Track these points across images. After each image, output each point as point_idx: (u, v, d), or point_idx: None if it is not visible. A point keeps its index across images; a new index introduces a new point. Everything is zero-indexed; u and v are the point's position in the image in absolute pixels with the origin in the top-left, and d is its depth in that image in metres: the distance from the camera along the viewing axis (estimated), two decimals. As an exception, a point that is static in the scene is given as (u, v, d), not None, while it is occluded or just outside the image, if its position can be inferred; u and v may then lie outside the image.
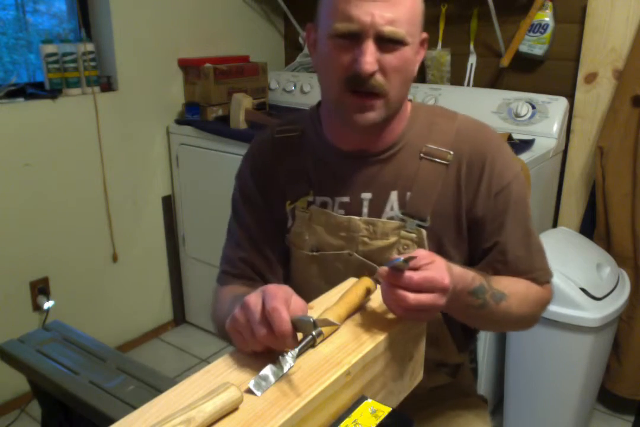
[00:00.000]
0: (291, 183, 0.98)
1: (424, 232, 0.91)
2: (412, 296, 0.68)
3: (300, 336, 0.66)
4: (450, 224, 0.92)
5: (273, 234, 1.00)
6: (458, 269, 0.78)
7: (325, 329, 0.69)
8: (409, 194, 0.91)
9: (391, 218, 0.92)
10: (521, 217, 0.93)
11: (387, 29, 0.79)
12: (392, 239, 0.91)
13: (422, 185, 0.91)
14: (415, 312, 0.71)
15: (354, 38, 0.80)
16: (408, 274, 0.69)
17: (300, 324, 0.64)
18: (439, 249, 0.92)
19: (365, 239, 0.92)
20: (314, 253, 0.96)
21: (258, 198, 1.00)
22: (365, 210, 0.93)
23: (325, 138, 0.96)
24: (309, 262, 0.97)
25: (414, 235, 0.91)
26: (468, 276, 0.80)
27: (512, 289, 0.88)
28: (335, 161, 0.95)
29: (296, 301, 0.68)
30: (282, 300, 0.65)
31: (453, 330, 0.98)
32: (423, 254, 0.72)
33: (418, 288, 0.69)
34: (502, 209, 0.91)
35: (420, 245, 0.91)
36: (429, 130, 0.93)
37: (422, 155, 0.92)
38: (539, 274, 0.95)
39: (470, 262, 0.96)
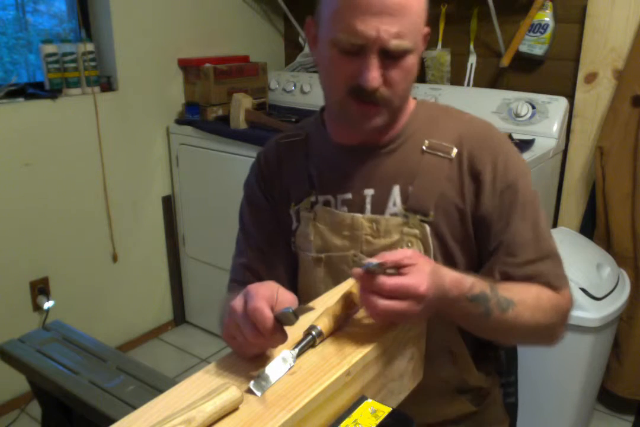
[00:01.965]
0: (294, 184, 0.97)
1: (427, 227, 0.87)
2: (381, 302, 0.66)
3: (297, 333, 0.67)
4: (454, 220, 0.88)
5: (277, 239, 0.99)
6: (453, 274, 0.74)
7: (325, 329, 0.69)
8: (410, 188, 0.88)
9: (394, 214, 0.89)
10: (530, 218, 0.88)
11: (393, 44, 0.77)
12: (396, 236, 0.88)
13: (425, 179, 0.88)
14: (386, 318, 0.69)
15: (358, 49, 0.78)
16: (381, 279, 0.66)
17: (282, 317, 0.64)
18: (442, 247, 0.89)
19: (369, 238, 0.90)
20: (320, 255, 0.94)
21: (263, 203, 1.00)
22: (368, 206, 0.91)
23: (328, 137, 0.95)
24: (315, 264, 0.95)
25: (417, 231, 0.88)
26: (466, 281, 0.75)
27: (522, 296, 0.82)
28: (337, 157, 0.94)
29: (283, 294, 0.67)
30: (263, 298, 0.65)
31: (467, 341, 0.93)
32: (408, 254, 0.70)
33: (390, 294, 0.66)
34: (508, 207, 0.87)
35: (424, 242, 0.88)
36: (432, 125, 0.91)
37: (424, 148, 0.89)
38: (552, 278, 0.87)
39: (479, 265, 0.91)
